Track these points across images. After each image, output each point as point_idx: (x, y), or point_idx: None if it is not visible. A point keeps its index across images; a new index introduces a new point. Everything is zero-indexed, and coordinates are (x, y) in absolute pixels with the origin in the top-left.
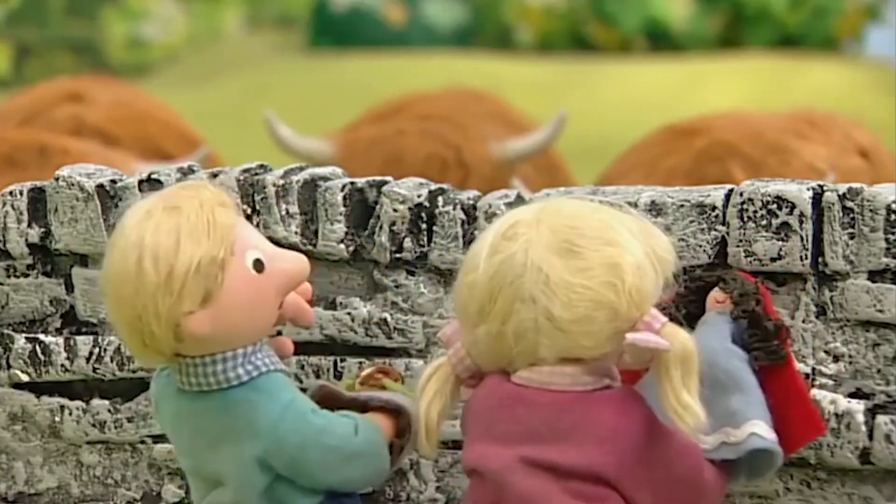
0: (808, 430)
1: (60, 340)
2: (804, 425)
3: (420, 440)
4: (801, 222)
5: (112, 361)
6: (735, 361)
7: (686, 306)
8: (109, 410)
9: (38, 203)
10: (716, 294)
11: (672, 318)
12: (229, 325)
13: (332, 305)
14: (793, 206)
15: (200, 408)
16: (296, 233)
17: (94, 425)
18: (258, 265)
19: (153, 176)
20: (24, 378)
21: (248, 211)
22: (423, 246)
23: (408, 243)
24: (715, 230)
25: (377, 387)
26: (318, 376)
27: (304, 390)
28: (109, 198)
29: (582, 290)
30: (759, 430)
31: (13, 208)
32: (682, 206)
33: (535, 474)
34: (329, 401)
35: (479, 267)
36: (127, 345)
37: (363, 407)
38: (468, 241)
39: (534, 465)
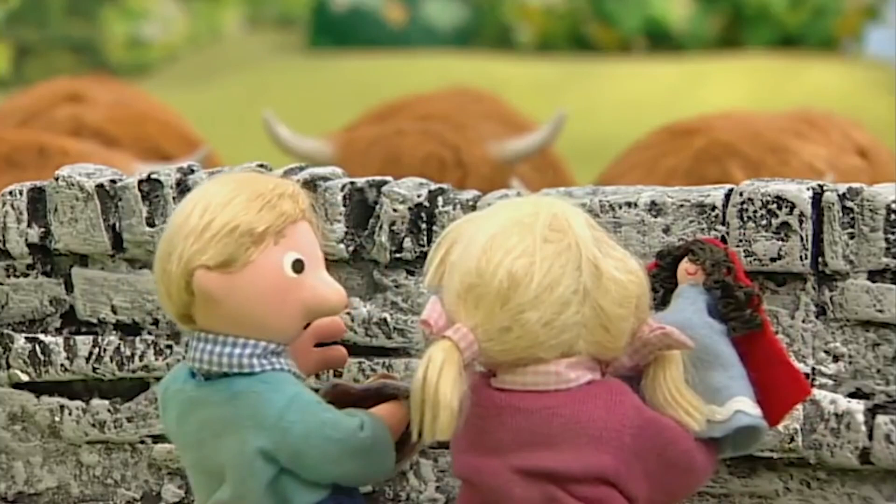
0: (794, 394)
1: (60, 340)
2: (789, 389)
3: (441, 426)
4: (800, 222)
5: (112, 361)
6: (714, 336)
7: (662, 285)
8: (109, 410)
9: (37, 203)
10: (686, 265)
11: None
12: (238, 303)
13: None
14: (792, 206)
15: (206, 397)
16: None
17: (93, 425)
18: (297, 266)
19: (153, 176)
20: (24, 378)
21: None
22: (423, 246)
23: (408, 243)
24: (715, 230)
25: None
26: (317, 376)
27: (316, 390)
28: (109, 198)
29: (628, 285)
30: (744, 406)
31: (13, 208)
32: (681, 205)
33: (535, 484)
34: (343, 398)
35: (535, 254)
36: (155, 283)
37: (376, 395)
38: None
39: (531, 474)
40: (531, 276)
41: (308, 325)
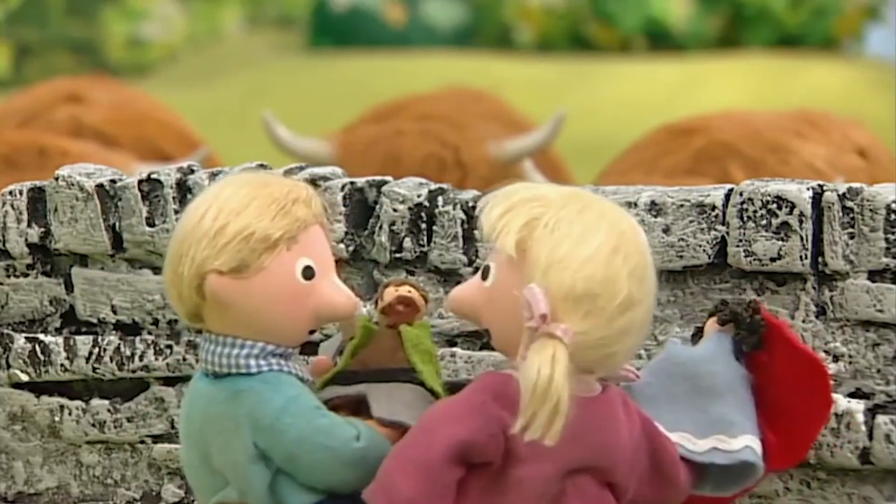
0: (819, 416)
1: (60, 340)
2: (815, 409)
3: (554, 431)
4: (800, 222)
5: (112, 361)
6: (738, 378)
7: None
8: (109, 410)
9: (37, 203)
10: (713, 321)
11: None
12: (248, 308)
13: None
14: (792, 206)
15: (213, 395)
16: None
17: (93, 425)
18: (308, 272)
19: (153, 176)
20: (24, 378)
21: None
22: (423, 246)
23: (408, 243)
24: (715, 230)
25: (396, 323)
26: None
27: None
28: (109, 197)
29: None
30: (754, 444)
31: (13, 208)
32: (681, 205)
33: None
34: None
35: (646, 253)
36: (165, 283)
37: (401, 429)
38: (468, 240)
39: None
40: (633, 273)
41: (314, 330)
